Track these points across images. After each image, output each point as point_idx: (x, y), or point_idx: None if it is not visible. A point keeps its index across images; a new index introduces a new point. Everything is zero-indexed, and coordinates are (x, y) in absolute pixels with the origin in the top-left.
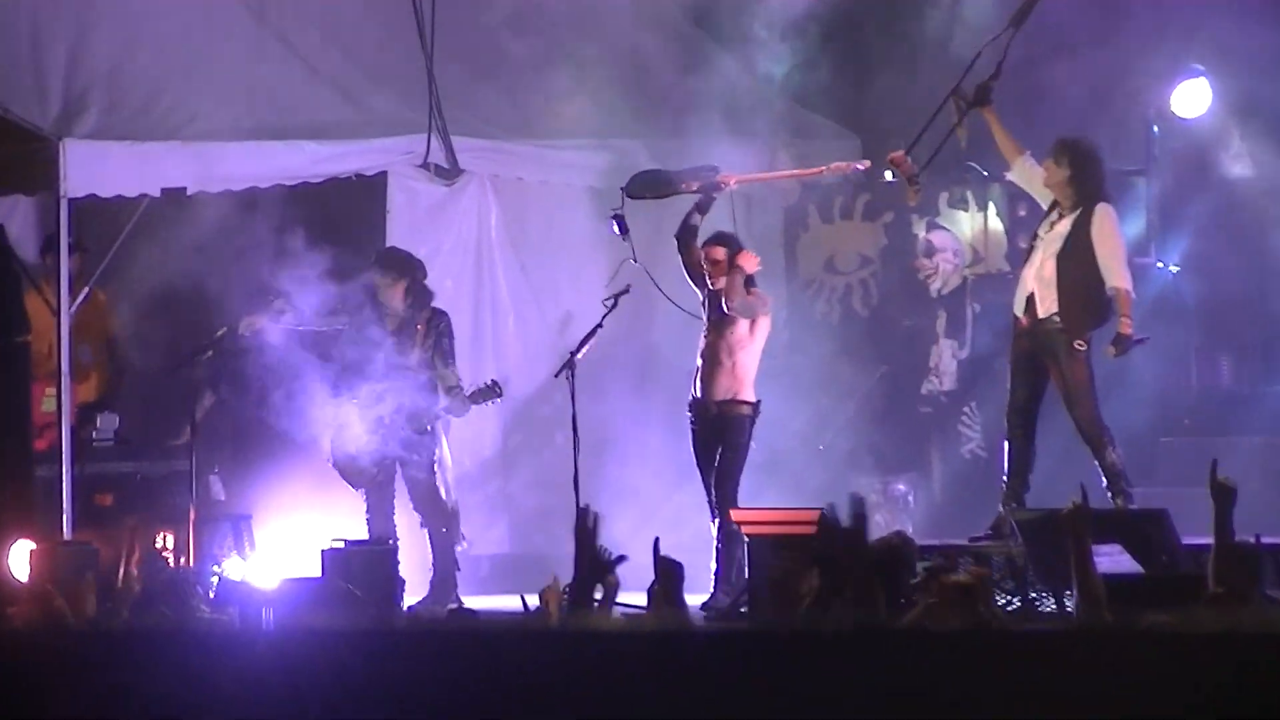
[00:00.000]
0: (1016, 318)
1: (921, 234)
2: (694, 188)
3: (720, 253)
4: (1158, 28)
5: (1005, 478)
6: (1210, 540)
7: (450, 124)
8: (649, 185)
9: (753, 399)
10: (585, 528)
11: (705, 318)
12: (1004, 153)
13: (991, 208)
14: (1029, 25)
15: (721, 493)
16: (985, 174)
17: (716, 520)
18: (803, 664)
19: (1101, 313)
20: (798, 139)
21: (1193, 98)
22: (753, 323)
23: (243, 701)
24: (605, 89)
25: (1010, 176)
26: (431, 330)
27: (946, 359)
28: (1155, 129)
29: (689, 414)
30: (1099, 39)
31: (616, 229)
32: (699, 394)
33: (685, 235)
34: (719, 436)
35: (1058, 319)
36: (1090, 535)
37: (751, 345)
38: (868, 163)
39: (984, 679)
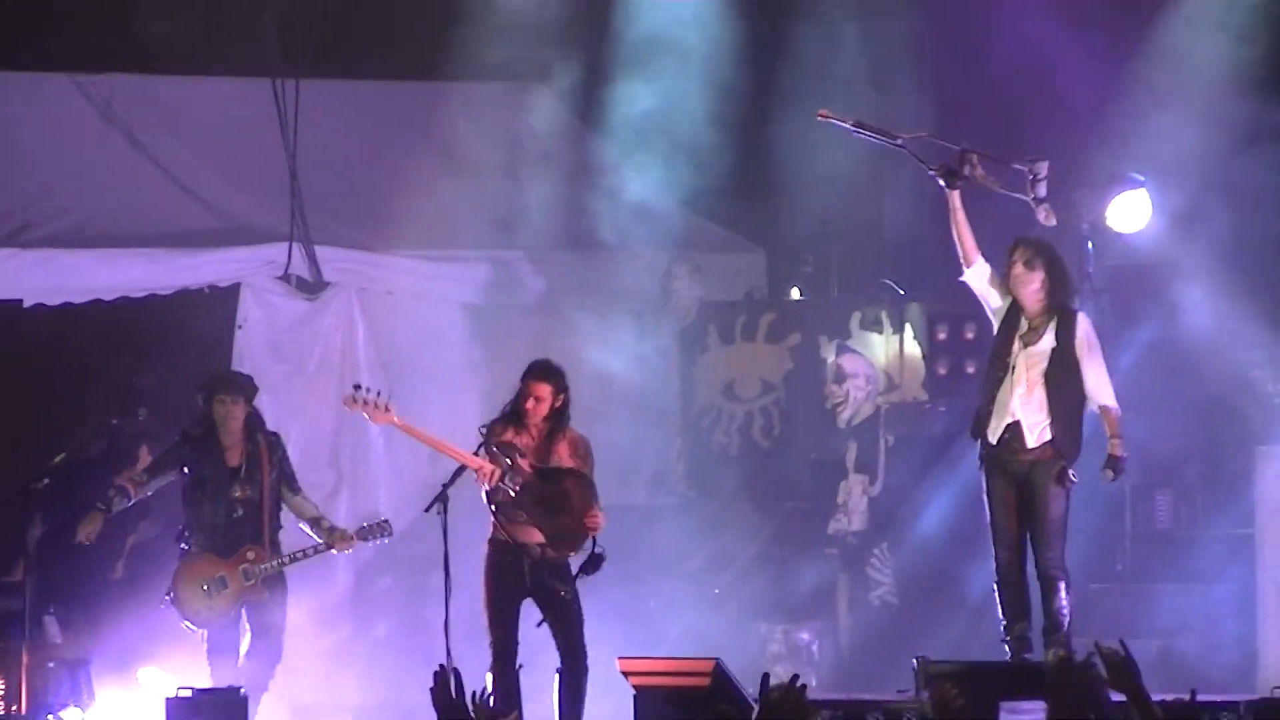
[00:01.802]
0: (990, 446)
1: (831, 358)
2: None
3: (545, 391)
4: (1093, 135)
5: (1006, 623)
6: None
7: (314, 232)
8: None
9: None
10: (445, 690)
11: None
12: (963, 249)
13: (908, 329)
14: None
15: (576, 641)
16: (901, 292)
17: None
18: None
19: (1082, 438)
20: (696, 252)
21: (1132, 211)
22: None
23: None
24: (483, 196)
25: (965, 278)
26: (273, 455)
27: (856, 496)
28: (1090, 245)
29: (507, 557)
30: (1028, 145)
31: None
32: (522, 538)
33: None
34: (556, 583)
35: (1051, 448)
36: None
37: None
38: None
39: None
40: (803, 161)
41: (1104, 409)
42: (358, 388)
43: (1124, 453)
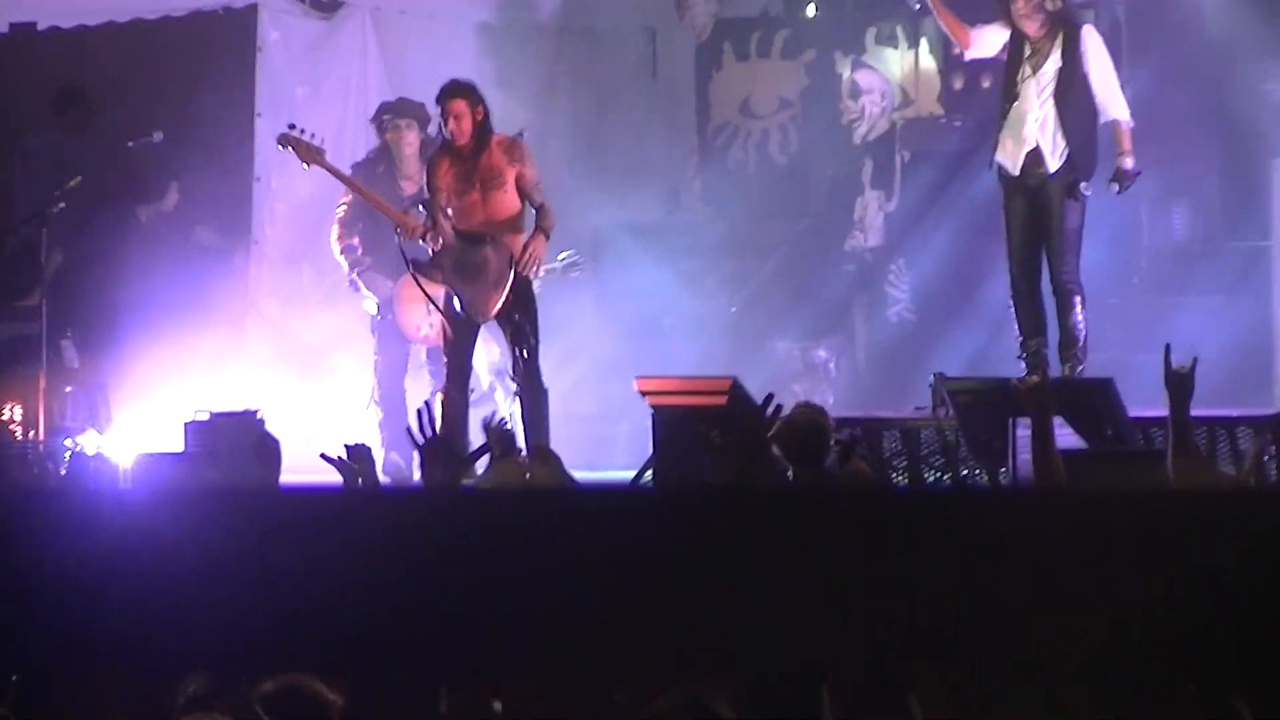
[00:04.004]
0: (1009, 175)
1: (846, 74)
2: None
3: (461, 106)
4: None
5: (1022, 340)
6: (1162, 414)
7: None
8: None
9: None
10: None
11: None
12: (953, 34)
13: (924, 44)
14: None
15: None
16: (916, 7)
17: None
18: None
19: (1097, 150)
20: None
21: None
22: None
23: (98, 566)
24: None
25: (969, 55)
26: None
27: (872, 212)
28: None
29: None
30: None
31: None
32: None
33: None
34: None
35: (1068, 163)
36: (1052, 411)
37: None
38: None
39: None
40: None
41: (1114, 122)
42: (292, 127)
43: (1132, 166)
